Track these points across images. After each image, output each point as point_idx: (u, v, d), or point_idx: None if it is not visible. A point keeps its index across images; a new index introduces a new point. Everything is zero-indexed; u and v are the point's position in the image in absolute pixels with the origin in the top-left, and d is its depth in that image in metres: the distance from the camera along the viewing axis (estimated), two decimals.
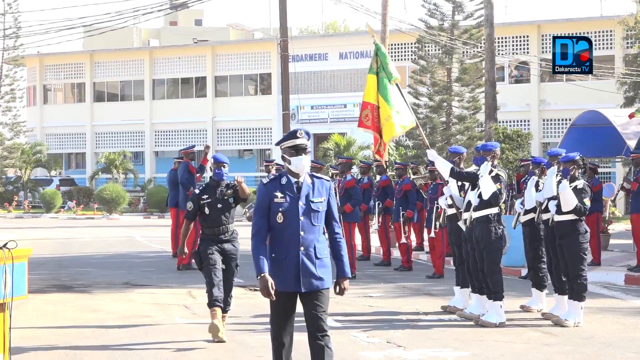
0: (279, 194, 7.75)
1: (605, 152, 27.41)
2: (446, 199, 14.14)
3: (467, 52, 44.91)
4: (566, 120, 45.54)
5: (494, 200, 12.74)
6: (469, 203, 13.06)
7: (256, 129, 57.14)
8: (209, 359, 10.48)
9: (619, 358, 10.54)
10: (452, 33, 43.54)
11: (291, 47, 30.32)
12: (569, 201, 12.69)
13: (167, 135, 59.92)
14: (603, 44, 48.19)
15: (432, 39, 43.56)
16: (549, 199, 13.27)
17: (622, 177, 22.74)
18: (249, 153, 58.62)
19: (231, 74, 58.32)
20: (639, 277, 18.05)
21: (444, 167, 13.14)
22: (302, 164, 7.81)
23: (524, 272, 17.98)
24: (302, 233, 7.72)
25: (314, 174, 7.93)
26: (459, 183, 13.58)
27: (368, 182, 21.61)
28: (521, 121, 48.94)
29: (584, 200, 12.74)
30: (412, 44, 46.92)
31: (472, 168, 13.44)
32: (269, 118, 55.52)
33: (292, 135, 7.86)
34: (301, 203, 7.74)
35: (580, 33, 47.97)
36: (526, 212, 14.40)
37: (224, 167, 12.01)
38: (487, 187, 12.74)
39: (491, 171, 12.86)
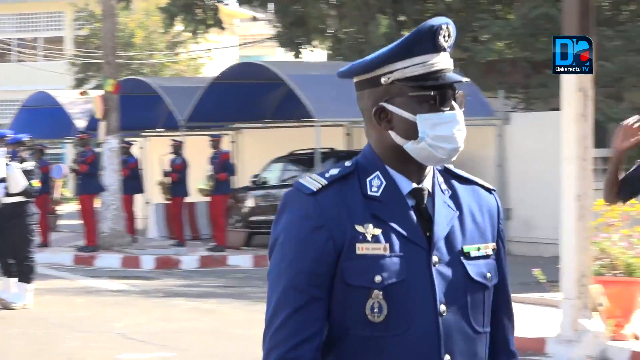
0: (370, 230, 2.34)
1: (55, 133, 27.71)
2: None
3: None
4: (17, 101, 45.06)
5: None
6: None
7: None
8: None
9: (67, 338, 10.71)
10: None
11: None
12: (19, 183, 12.83)
13: None
14: (53, 25, 48.25)
15: None
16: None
17: (72, 159, 23.02)
18: None
19: None
20: (87, 256, 18.49)
21: None
22: (453, 136, 2.37)
23: None
24: (447, 358, 2.36)
25: (453, 169, 2.52)
26: None
27: None
28: None
29: (32, 181, 12.95)
30: None
31: None
32: None
33: (425, 34, 2.35)
34: (436, 258, 2.39)
35: (31, 14, 47.87)
36: None
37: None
38: None
39: None
